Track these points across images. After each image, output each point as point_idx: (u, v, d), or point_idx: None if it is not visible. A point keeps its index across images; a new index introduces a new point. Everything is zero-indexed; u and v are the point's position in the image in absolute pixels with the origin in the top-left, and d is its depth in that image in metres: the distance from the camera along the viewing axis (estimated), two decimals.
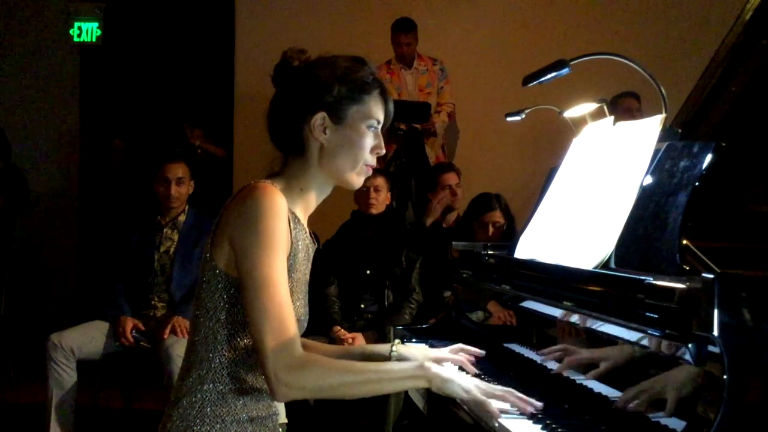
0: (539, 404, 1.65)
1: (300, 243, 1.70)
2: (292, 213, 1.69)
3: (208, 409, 1.64)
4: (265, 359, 1.53)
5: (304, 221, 1.75)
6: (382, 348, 1.99)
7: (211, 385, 1.64)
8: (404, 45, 5.74)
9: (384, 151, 1.77)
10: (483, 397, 1.64)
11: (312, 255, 1.80)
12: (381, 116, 1.76)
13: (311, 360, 1.57)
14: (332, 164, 1.72)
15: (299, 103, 1.71)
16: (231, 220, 1.63)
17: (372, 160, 1.75)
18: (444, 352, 2.03)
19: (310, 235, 1.77)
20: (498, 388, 1.68)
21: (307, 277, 1.79)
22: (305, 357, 1.56)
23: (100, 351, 3.84)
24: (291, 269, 1.66)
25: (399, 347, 1.96)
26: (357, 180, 1.75)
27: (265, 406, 1.71)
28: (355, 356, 1.98)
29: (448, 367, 1.99)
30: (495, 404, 1.64)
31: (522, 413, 1.64)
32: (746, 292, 1.29)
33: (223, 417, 1.64)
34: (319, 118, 1.69)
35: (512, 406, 1.65)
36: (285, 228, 1.62)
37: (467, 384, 1.65)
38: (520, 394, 1.67)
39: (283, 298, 1.57)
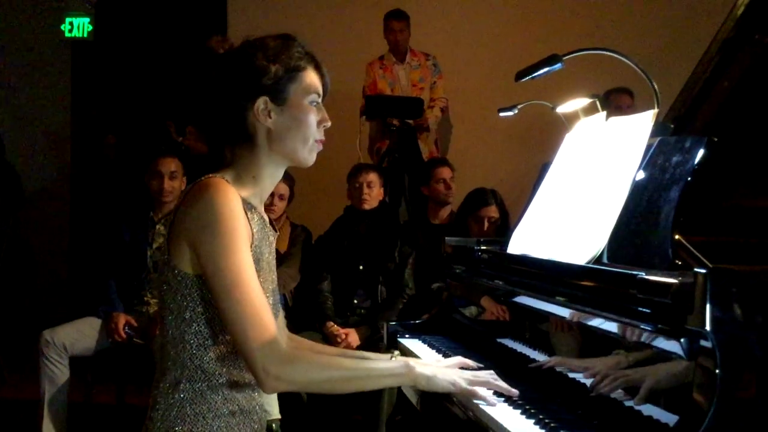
0: (515, 392, 1.73)
1: (260, 233, 1.69)
2: (248, 203, 1.67)
3: (188, 408, 1.63)
4: (251, 354, 1.54)
5: (261, 209, 1.74)
6: (379, 357, 1.98)
7: (187, 385, 1.63)
8: (397, 32, 5.75)
9: (330, 123, 1.74)
10: (470, 387, 1.70)
11: (273, 242, 1.79)
12: (320, 89, 1.74)
13: (300, 354, 1.62)
14: (283, 146, 1.70)
15: (237, 92, 1.68)
16: (187, 221, 1.61)
17: (321, 135, 1.74)
18: (444, 363, 2.01)
19: (270, 223, 1.76)
20: (481, 375, 1.76)
21: (273, 265, 1.79)
22: (294, 351, 1.61)
23: (93, 347, 3.84)
24: (254, 261, 1.64)
25: (397, 358, 1.94)
26: (310, 157, 1.74)
27: (247, 397, 1.69)
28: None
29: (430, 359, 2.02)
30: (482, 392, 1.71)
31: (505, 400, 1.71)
32: (738, 287, 1.29)
33: (204, 414, 1.63)
34: (261, 102, 1.68)
35: (493, 391, 1.73)
36: (243, 221, 1.61)
37: (452, 377, 1.71)
38: (500, 381, 1.75)
39: (257, 294, 1.57)
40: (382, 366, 1.70)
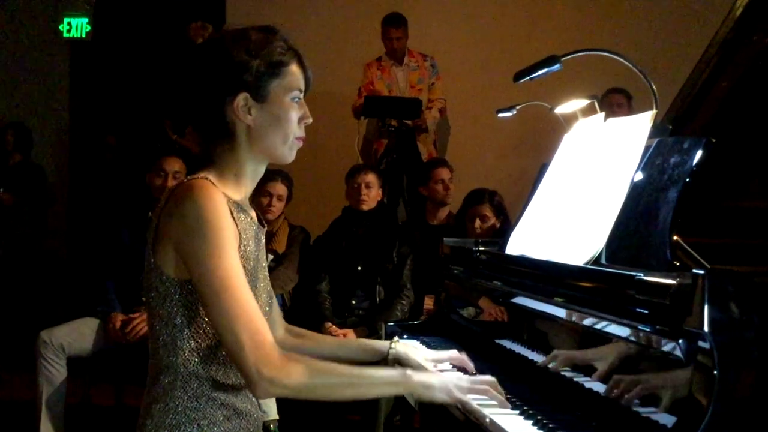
0: (509, 406, 1.67)
1: (248, 231, 1.65)
2: (234, 202, 1.63)
3: (182, 414, 1.60)
4: (244, 358, 1.50)
5: (246, 205, 1.70)
6: (381, 344, 1.99)
7: (181, 391, 1.60)
8: (395, 39, 5.75)
9: (311, 120, 1.70)
10: (463, 398, 1.64)
11: (262, 238, 1.75)
12: (302, 85, 1.69)
13: (294, 358, 1.55)
14: (263, 144, 1.66)
15: (217, 87, 1.63)
16: (172, 226, 1.57)
17: (301, 132, 1.69)
18: (442, 354, 2.03)
19: (257, 217, 1.73)
20: (479, 381, 1.69)
21: (263, 263, 1.75)
22: (288, 354, 1.55)
23: (91, 348, 3.83)
24: (243, 261, 1.60)
25: (397, 345, 1.95)
26: (290, 155, 1.69)
27: (242, 399, 1.67)
28: (351, 349, 1.98)
29: (440, 367, 2.01)
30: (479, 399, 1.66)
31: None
32: (736, 287, 1.29)
33: (198, 421, 1.60)
34: (241, 99, 1.62)
35: (492, 399, 1.67)
36: (230, 223, 1.57)
37: (447, 386, 1.65)
38: (500, 390, 1.69)
39: (247, 298, 1.53)
40: (379, 374, 1.66)
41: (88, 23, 6.88)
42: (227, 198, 1.61)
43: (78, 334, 3.80)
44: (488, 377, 1.73)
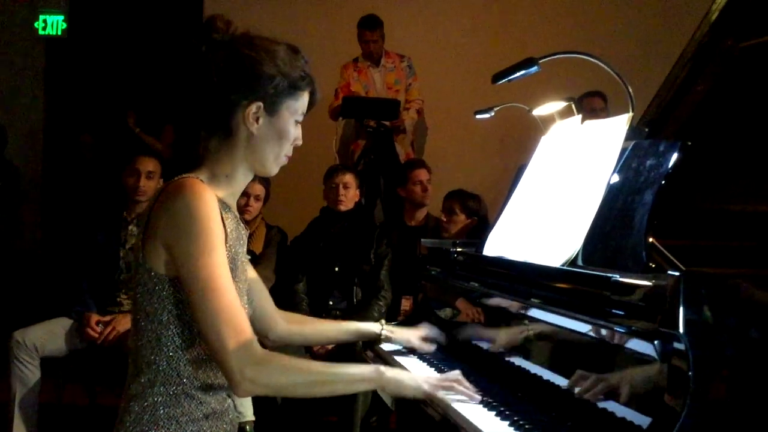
0: (477, 397, 1.76)
1: (233, 232, 1.69)
2: (223, 202, 1.67)
3: (161, 411, 1.61)
4: (226, 357, 1.53)
5: (234, 207, 1.74)
6: (373, 327, 2.22)
7: (161, 388, 1.62)
8: (371, 42, 5.74)
9: (301, 143, 1.77)
10: (432, 392, 1.73)
11: (245, 239, 1.79)
12: (305, 110, 1.77)
13: (275, 357, 1.58)
14: (256, 153, 1.71)
15: (236, 88, 1.67)
16: (162, 223, 1.59)
17: (290, 151, 1.77)
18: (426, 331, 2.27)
19: (241, 221, 1.77)
20: (448, 377, 1.79)
21: (246, 263, 1.81)
22: (269, 354, 1.58)
23: (64, 348, 3.79)
24: (228, 261, 1.63)
25: (387, 327, 2.21)
26: (275, 169, 1.77)
27: (220, 399, 1.69)
28: (350, 332, 2.20)
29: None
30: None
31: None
32: (711, 289, 1.30)
33: (177, 418, 1.62)
34: (255, 107, 1.68)
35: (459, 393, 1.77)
36: (218, 223, 1.60)
37: (417, 382, 1.74)
38: (466, 384, 1.78)
39: (232, 297, 1.56)
40: (353, 371, 1.70)
41: (64, 20, 6.82)
42: (217, 198, 1.64)
43: (52, 335, 3.77)
44: (454, 372, 1.82)
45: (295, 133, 1.74)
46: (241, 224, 1.75)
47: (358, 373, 1.70)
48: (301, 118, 1.75)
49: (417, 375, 1.81)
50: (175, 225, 1.57)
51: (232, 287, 1.58)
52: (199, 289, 1.54)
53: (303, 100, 1.74)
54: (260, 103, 1.68)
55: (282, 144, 1.73)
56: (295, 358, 1.65)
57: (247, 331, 1.55)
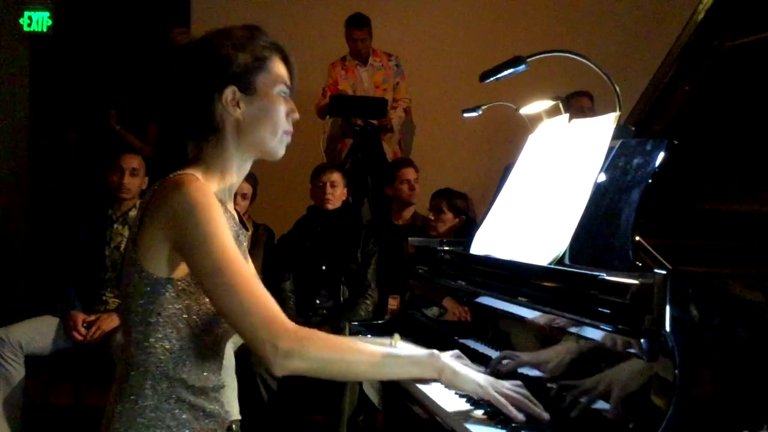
0: (546, 416, 1.56)
1: (231, 231, 1.63)
2: (219, 200, 1.62)
3: (150, 412, 1.58)
4: (257, 334, 1.45)
5: (231, 206, 1.70)
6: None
7: (151, 391, 1.58)
8: (358, 41, 5.73)
9: (298, 115, 1.71)
10: (501, 398, 1.57)
11: (244, 240, 1.74)
12: (288, 80, 1.71)
13: (311, 331, 1.50)
14: (252, 137, 1.66)
15: (205, 82, 1.63)
16: (161, 219, 1.54)
17: (289, 126, 1.70)
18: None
19: (240, 222, 1.73)
20: (508, 388, 1.60)
21: (248, 263, 1.74)
22: (304, 328, 1.50)
23: (49, 346, 3.77)
24: None
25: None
26: (280, 149, 1.70)
27: (210, 401, 1.65)
28: None
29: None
30: None
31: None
32: (698, 288, 1.31)
33: (166, 421, 1.58)
34: (230, 92, 1.63)
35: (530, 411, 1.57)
36: (221, 213, 1.56)
37: (481, 379, 1.60)
38: (533, 401, 1.59)
39: (249, 275, 1.50)
40: (404, 353, 1.60)
41: (49, 17, 6.77)
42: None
43: (36, 333, 3.75)
44: (519, 383, 1.64)
45: (286, 106, 1.68)
46: (240, 226, 1.71)
47: (410, 356, 1.59)
48: (284, 89, 1.69)
49: (476, 372, 1.64)
50: (176, 218, 1.52)
51: (246, 267, 1.53)
52: (213, 272, 1.48)
53: (277, 70, 1.68)
54: (233, 87, 1.63)
55: (273, 119, 1.66)
56: (333, 335, 1.57)
57: (273, 305, 1.48)
